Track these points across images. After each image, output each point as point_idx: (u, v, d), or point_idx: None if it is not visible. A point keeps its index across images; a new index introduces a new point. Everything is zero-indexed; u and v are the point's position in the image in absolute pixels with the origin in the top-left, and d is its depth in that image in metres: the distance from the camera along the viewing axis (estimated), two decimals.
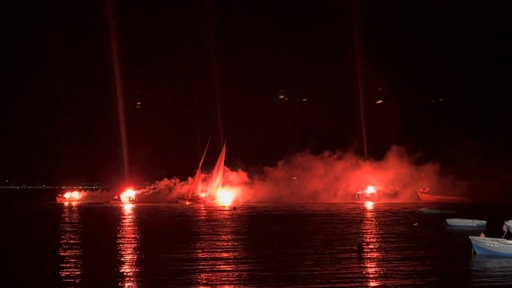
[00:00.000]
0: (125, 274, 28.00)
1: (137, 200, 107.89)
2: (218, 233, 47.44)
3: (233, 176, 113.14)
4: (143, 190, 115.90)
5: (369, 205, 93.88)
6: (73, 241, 41.88)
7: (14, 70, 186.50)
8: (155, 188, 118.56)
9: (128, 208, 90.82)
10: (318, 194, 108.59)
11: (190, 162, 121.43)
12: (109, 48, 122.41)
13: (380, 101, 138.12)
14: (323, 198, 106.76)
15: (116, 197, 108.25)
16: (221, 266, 29.77)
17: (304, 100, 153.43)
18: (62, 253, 35.00)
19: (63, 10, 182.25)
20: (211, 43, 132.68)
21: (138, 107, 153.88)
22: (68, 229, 52.76)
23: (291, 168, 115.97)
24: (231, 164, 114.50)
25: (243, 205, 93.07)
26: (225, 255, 34.04)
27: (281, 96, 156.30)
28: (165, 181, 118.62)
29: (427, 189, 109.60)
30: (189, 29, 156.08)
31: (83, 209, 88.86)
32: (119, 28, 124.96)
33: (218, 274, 27.59)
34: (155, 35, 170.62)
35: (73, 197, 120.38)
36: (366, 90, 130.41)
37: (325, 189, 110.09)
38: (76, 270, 29.04)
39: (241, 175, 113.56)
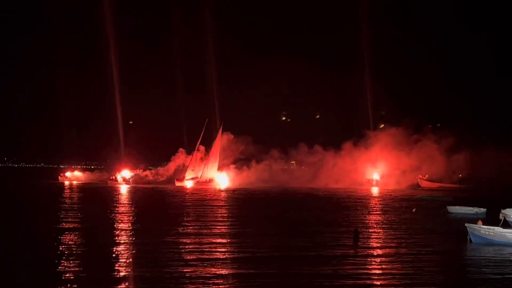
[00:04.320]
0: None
1: (132, 181, 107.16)
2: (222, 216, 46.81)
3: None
4: (137, 171, 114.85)
5: (374, 191, 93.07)
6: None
7: (18, 56, 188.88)
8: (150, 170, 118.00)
9: (123, 188, 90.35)
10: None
11: (189, 143, 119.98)
12: (106, 32, 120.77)
13: None
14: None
15: (113, 177, 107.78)
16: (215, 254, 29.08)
17: None
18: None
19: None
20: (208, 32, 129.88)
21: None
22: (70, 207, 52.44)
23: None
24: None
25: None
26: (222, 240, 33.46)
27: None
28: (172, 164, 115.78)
29: (427, 175, 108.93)
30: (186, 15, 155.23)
31: (87, 189, 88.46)
32: (114, 18, 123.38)
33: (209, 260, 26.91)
34: (150, 24, 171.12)
35: (75, 176, 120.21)
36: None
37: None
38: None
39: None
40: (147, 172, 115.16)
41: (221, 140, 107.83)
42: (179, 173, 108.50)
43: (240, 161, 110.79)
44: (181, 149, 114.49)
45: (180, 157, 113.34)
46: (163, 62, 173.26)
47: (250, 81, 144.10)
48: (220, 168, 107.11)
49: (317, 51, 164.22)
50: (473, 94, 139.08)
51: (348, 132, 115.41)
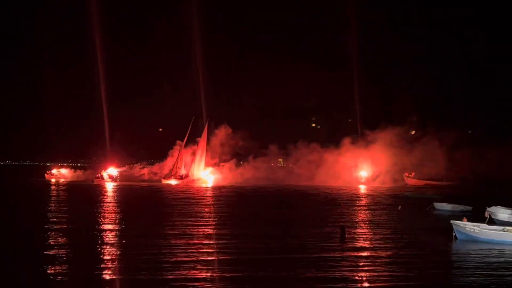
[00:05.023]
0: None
1: (120, 178, 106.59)
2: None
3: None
4: (124, 168, 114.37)
5: (361, 188, 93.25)
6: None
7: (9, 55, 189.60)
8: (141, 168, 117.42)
9: (109, 186, 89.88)
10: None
11: (173, 141, 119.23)
12: (92, 32, 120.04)
13: None
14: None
15: (99, 175, 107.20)
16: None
17: None
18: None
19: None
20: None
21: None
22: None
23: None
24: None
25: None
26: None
27: None
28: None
29: (413, 173, 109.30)
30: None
31: (73, 187, 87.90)
32: (102, 17, 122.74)
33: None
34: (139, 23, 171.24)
35: (62, 173, 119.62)
36: None
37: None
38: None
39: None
40: (145, 170, 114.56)
41: (219, 134, 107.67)
42: (174, 169, 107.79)
43: (238, 156, 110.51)
44: (178, 142, 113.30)
45: (178, 150, 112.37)
46: (155, 63, 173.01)
47: (250, 80, 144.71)
48: (217, 164, 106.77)
49: (316, 50, 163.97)
50: (473, 93, 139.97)
51: (347, 131, 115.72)
